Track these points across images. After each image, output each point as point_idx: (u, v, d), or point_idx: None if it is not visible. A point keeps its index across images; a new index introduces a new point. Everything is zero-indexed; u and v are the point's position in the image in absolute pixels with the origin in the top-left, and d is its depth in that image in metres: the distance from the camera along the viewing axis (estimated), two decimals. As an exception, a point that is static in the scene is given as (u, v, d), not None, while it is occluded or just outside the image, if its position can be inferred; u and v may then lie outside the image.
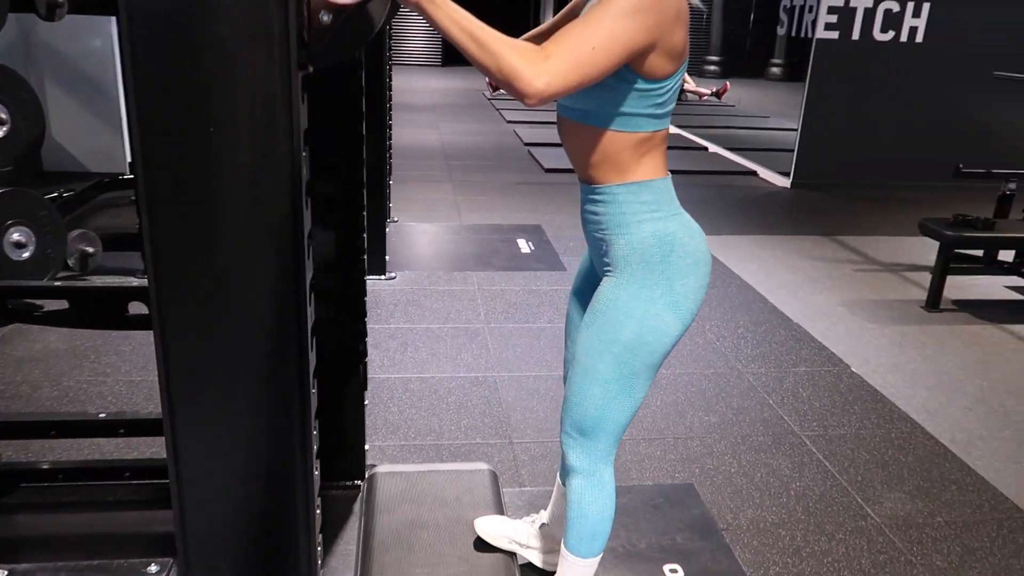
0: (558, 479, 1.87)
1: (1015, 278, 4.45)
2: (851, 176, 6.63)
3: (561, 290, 3.93)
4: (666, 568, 2.02)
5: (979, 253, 4.37)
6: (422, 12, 1.25)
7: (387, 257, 4.01)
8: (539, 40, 1.66)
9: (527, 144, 7.98)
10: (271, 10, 0.81)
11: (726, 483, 2.41)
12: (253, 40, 0.82)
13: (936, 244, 3.94)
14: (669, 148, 1.48)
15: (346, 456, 2.25)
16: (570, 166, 1.52)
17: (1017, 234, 3.91)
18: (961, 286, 4.20)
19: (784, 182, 6.68)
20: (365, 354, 2.18)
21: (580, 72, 1.25)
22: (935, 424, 2.80)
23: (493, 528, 1.95)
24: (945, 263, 3.81)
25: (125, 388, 2.78)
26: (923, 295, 4.05)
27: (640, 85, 1.33)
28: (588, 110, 1.38)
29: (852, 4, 6.16)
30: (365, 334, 2.17)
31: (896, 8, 6.20)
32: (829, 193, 6.43)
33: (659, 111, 1.38)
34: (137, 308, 1.79)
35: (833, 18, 6.21)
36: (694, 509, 2.27)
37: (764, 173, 7.08)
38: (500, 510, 2.08)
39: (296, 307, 0.93)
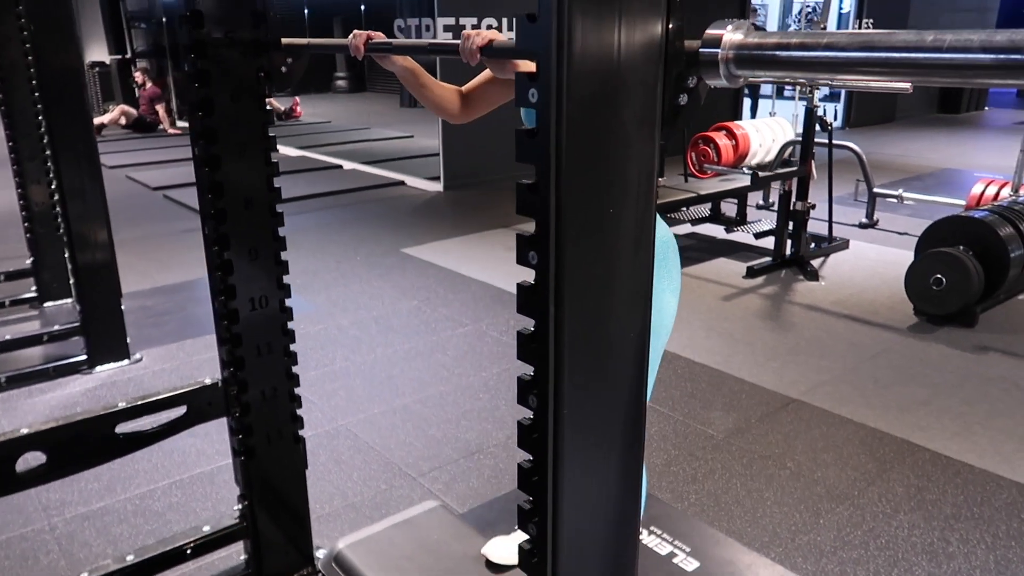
0: None
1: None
2: (493, 172, 7.44)
3: (330, 327, 3.88)
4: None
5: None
6: None
7: (128, 339, 3.49)
8: (473, 90, 1.81)
9: (158, 188, 7.27)
10: (655, 96, 0.90)
11: (606, 447, 2.78)
12: (641, 124, 0.90)
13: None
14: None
15: (295, 541, 2.08)
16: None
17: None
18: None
19: (436, 187, 7.24)
20: (302, 423, 2.04)
21: None
22: (697, 355, 3.54)
23: (500, 550, 2.04)
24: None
25: (-90, 583, 2.09)
26: (613, 260, 4.91)
27: None
28: None
29: (462, 22, 6.91)
30: (300, 400, 2.02)
31: (495, 23, 7.12)
32: (481, 190, 7.17)
33: None
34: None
35: (448, 35, 6.89)
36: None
37: (412, 181, 7.56)
38: (475, 533, 2.16)
39: (643, 353, 1.01)
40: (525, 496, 1.03)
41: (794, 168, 4.76)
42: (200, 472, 2.63)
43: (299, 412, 2.02)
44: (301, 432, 2.03)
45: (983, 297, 3.80)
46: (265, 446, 1.96)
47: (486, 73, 1.82)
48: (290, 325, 1.96)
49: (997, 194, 4.93)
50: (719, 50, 0.88)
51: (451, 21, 6.92)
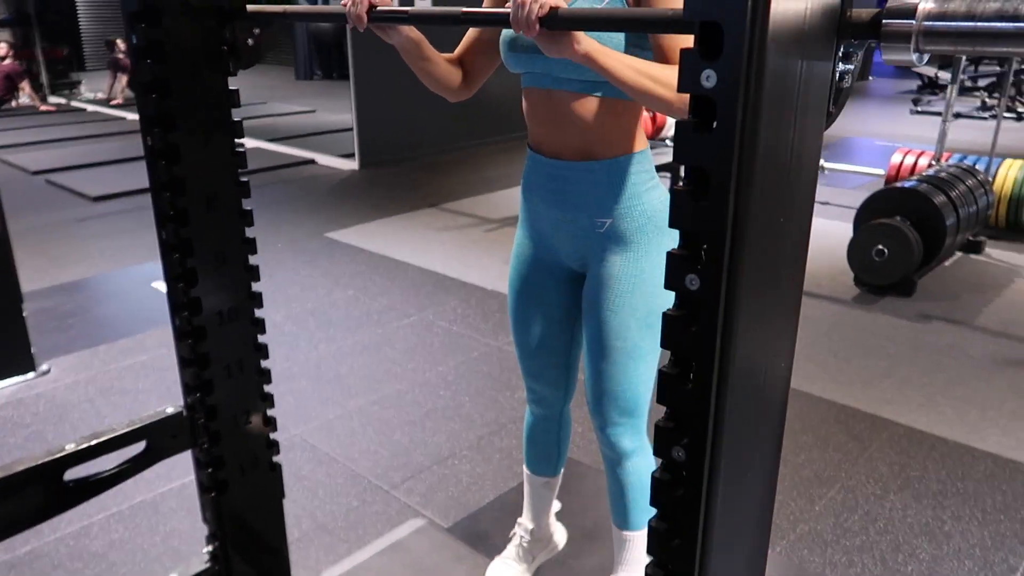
0: (527, 472, 1.85)
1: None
2: (411, 150, 7.13)
3: (262, 323, 3.56)
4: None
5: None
6: (595, 65, 1.17)
7: (32, 349, 3.08)
8: (464, 57, 1.58)
9: (39, 173, 6.57)
10: (828, 77, 0.73)
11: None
12: (817, 111, 0.73)
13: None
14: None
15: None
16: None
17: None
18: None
19: (351, 165, 6.87)
20: (278, 448, 1.79)
21: None
22: (656, 336, 3.45)
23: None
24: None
25: None
26: (551, 239, 4.76)
27: (650, 56, 1.32)
28: (601, 81, 1.30)
29: None
30: (275, 423, 1.78)
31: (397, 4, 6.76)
32: (401, 168, 6.85)
33: None
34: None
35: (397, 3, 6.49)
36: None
37: (323, 159, 7.15)
38: (472, 552, 1.98)
39: (787, 390, 0.86)
40: (650, 558, 0.86)
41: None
42: (141, 501, 2.32)
43: (273, 436, 1.78)
44: (276, 458, 1.79)
45: (920, 266, 3.89)
46: (239, 478, 1.71)
47: (469, 34, 1.59)
48: (261, 339, 1.72)
49: (915, 163, 5.08)
50: (912, 21, 0.72)
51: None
